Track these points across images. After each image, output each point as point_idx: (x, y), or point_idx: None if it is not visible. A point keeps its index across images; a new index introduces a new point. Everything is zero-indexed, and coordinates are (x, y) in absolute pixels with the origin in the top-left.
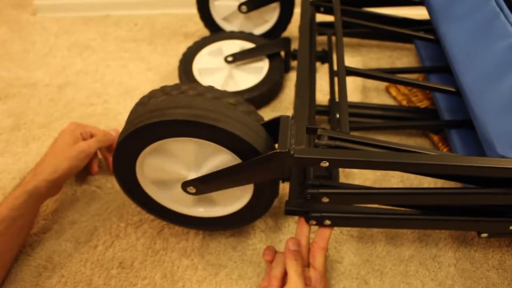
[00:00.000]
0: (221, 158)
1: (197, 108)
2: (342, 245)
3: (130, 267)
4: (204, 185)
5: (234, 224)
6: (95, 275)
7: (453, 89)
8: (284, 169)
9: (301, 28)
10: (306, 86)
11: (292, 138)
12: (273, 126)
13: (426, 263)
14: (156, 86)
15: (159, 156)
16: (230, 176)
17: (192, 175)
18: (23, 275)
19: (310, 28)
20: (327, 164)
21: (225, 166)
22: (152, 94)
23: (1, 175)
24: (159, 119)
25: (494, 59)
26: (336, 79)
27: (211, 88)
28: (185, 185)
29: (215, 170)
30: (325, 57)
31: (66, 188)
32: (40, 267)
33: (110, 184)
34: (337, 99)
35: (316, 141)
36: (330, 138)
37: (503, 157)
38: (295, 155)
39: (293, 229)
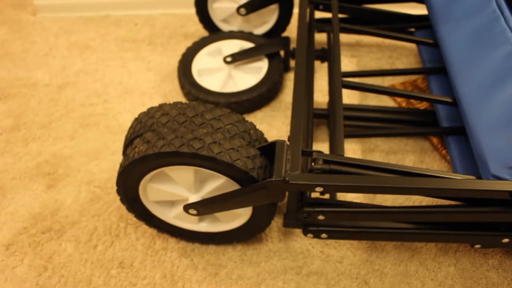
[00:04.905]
0: (219, 181)
1: (194, 139)
2: (342, 245)
3: (130, 267)
4: (204, 208)
5: (237, 239)
6: (95, 275)
7: (450, 100)
8: (280, 194)
9: (299, 27)
10: (303, 97)
11: (288, 163)
12: (270, 149)
13: (426, 263)
14: (156, 86)
15: (160, 181)
16: (227, 201)
17: (193, 198)
18: (23, 275)
19: (308, 26)
20: (321, 189)
21: (224, 188)
22: (151, 114)
23: (1, 175)
24: (155, 151)
25: (491, 68)
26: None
27: (212, 108)
28: (187, 207)
29: (214, 191)
30: (324, 56)
31: (66, 188)
32: (40, 267)
33: (110, 184)
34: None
35: (312, 164)
36: (325, 161)
37: (495, 176)
38: (290, 181)
39: (293, 229)
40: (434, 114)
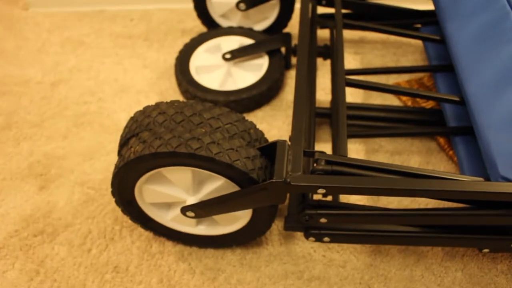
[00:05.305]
0: (218, 182)
1: (192, 138)
2: (345, 249)
3: (125, 271)
4: (202, 210)
5: (236, 242)
6: (88, 279)
7: (457, 99)
8: (281, 196)
9: (301, 23)
10: (304, 95)
11: (289, 164)
12: (270, 149)
13: (432, 267)
14: (152, 83)
15: (156, 183)
16: (227, 203)
17: (191, 200)
18: (14, 279)
19: (311, 22)
20: (324, 191)
21: (223, 190)
22: (148, 113)
23: None
24: (151, 151)
25: (500, 66)
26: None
27: (210, 107)
28: (184, 210)
29: (213, 192)
30: (327, 53)
31: (59, 189)
32: (32, 272)
33: (104, 186)
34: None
35: (314, 165)
36: (328, 162)
37: (504, 178)
38: (292, 183)
39: (294, 233)
40: (440, 113)
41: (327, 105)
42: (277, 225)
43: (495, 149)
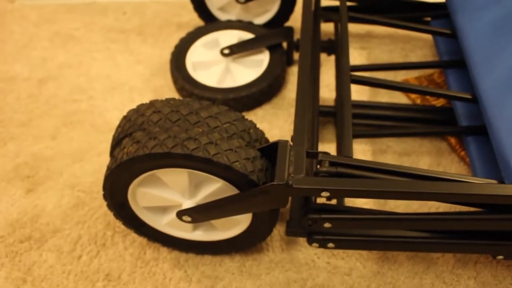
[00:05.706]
0: (216, 185)
1: (189, 138)
2: (351, 256)
3: (117, 279)
4: (199, 214)
5: (236, 248)
6: None
7: (469, 96)
8: (283, 200)
9: (303, 16)
10: (307, 93)
11: (291, 165)
12: (271, 150)
13: (443, 275)
14: (146, 80)
15: (151, 185)
16: (225, 207)
17: (187, 203)
18: None
19: (314, 15)
20: (328, 194)
21: (221, 193)
22: (141, 111)
23: None
24: (145, 152)
25: None
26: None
27: (208, 106)
28: (180, 214)
29: (211, 196)
30: (331, 48)
31: (48, 192)
32: (19, 280)
33: (96, 188)
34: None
35: (317, 167)
36: (332, 164)
37: None
38: (294, 186)
39: (297, 238)
40: (452, 111)
41: (331, 103)
42: (279, 230)
43: (509, 149)
